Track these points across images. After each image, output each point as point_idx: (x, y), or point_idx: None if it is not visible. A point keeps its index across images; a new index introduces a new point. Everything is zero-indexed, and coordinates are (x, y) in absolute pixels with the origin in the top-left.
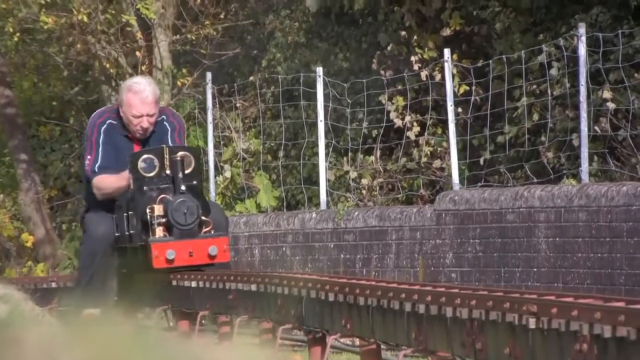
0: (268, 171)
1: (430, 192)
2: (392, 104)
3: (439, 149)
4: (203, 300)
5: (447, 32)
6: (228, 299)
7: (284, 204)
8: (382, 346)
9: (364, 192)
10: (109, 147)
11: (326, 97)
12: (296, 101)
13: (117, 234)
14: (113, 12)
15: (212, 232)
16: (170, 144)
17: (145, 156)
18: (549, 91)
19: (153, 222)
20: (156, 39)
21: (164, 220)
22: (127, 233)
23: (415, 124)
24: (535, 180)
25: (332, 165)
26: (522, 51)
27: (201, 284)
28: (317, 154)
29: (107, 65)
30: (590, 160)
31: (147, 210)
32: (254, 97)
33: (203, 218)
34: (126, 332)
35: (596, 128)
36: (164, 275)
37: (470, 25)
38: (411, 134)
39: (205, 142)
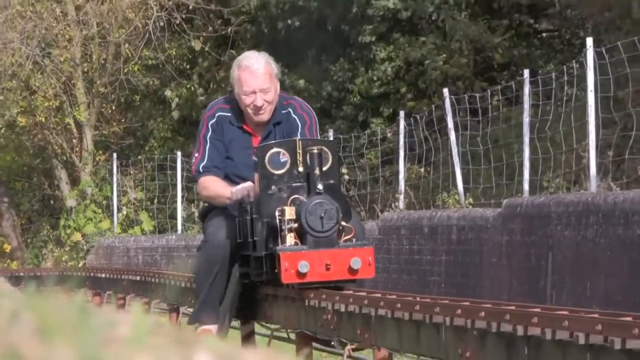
0: (148, 211)
1: None
2: None
3: None
4: (109, 284)
5: None
6: (123, 285)
7: (157, 230)
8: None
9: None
10: (217, 144)
11: (182, 170)
12: (164, 171)
13: (239, 240)
14: (60, 116)
15: (354, 241)
16: None
17: (273, 150)
18: None
19: (283, 227)
20: (84, 133)
21: (295, 225)
22: (250, 240)
23: None
24: None
25: (185, 208)
26: None
27: (107, 275)
28: (176, 201)
29: (56, 147)
30: None
31: (277, 214)
32: (140, 168)
33: (343, 224)
34: (69, 303)
35: None
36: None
37: None
38: None
39: (112, 193)
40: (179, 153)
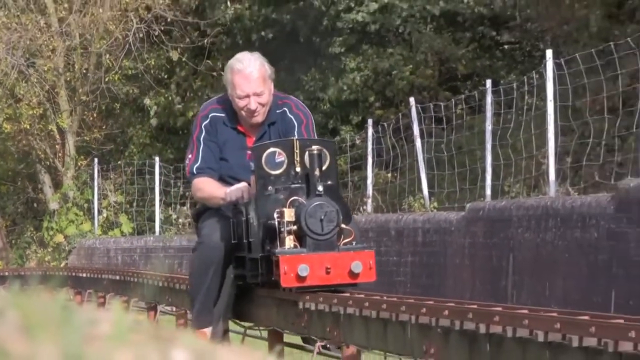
0: (127, 213)
1: None
2: None
3: None
4: (90, 284)
5: None
6: (104, 284)
7: (136, 231)
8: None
9: (180, 226)
10: (211, 145)
11: (160, 175)
12: (143, 175)
13: (234, 241)
14: (44, 123)
15: (354, 244)
16: None
17: (270, 150)
18: None
19: (282, 229)
20: (67, 139)
21: (294, 227)
22: (246, 241)
23: None
24: None
25: (163, 210)
26: None
27: (88, 275)
28: (155, 204)
29: (40, 153)
30: None
31: (275, 215)
32: (120, 172)
33: (343, 226)
34: (52, 301)
35: None
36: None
37: None
38: None
39: (93, 197)
40: (157, 158)
